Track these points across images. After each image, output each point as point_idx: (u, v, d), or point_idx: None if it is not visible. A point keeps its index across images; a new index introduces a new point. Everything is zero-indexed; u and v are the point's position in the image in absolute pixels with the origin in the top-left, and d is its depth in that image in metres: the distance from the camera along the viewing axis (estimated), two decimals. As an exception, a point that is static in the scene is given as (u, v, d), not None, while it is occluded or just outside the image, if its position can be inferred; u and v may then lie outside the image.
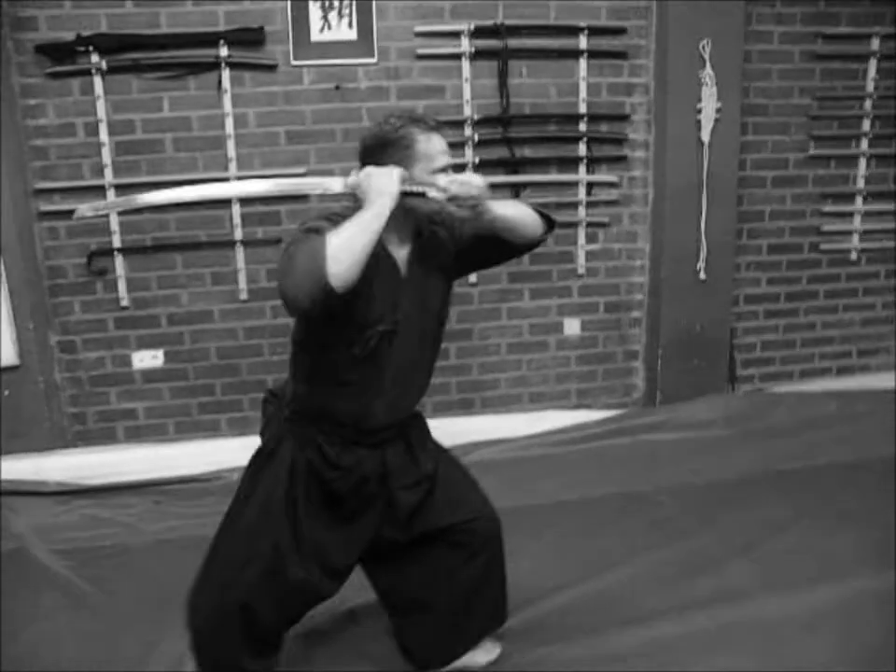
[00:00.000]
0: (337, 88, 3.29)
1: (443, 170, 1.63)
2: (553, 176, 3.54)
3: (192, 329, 3.43)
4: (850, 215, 3.93)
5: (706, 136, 3.50)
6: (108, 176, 3.20)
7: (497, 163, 3.46)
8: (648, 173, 3.60)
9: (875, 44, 3.71)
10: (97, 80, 3.11)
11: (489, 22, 3.32)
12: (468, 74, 3.35)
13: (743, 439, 3.60)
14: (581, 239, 3.63)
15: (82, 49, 3.05)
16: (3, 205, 3.05)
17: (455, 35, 3.32)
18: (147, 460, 3.39)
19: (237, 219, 3.34)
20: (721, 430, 3.67)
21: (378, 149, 1.61)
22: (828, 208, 3.89)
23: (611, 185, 3.61)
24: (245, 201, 3.32)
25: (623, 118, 3.56)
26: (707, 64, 3.42)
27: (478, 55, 3.35)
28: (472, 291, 3.60)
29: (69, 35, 3.05)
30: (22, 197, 3.15)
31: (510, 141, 3.44)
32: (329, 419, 1.73)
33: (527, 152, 3.50)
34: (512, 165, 3.47)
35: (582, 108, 3.50)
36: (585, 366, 3.82)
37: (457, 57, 3.34)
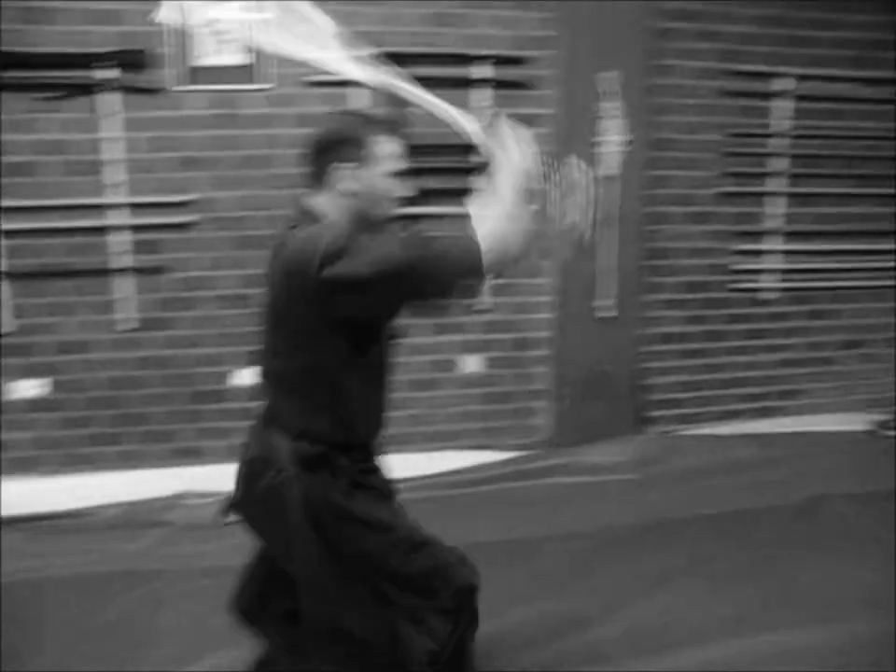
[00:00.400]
0: (226, 115, 3.34)
1: (398, 174, 1.64)
2: (454, 209, 3.61)
3: (75, 358, 3.44)
4: (764, 253, 4.01)
5: (609, 170, 3.57)
6: (-12, 199, 3.25)
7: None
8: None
9: (788, 83, 3.80)
10: (-23, 100, 3.18)
11: (388, 50, 3.42)
12: (363, 102, 3.44)
13: (648, 484, 3.62)
14: (484, 273, 3.69)
15: (-39, 67, 3.13)
16: None
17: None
18: (27, 493, 3.44)
19: (120, 247, 3.36)
20: (626, 475, 3.70)
21: (331, 148, 1.59)
22: (740, 246, 3.97)
23: (516, 218, 3.68)
24: (128, 228, 3.36)
25: (527, 150, 3.63)
26: (611, 97, 3.52)
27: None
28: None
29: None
30: None
31: (408, 171, 3.53)
32: (359, 442, 1.69)
33: (430, 183, 3.56)
34: (411, 197, 3.55)
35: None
36: (489, 405, 3.83)
37: (345, 84, 3.35)
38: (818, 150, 3.92)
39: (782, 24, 3.77)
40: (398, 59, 3.32)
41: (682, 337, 4.00)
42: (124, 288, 3.42)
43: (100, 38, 3.20)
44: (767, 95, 3.83)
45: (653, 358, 3.97)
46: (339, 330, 1.54)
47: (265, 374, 1.68)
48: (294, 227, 1.59)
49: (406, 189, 1.67)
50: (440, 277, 1.43)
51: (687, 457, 3.83)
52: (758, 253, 4.00)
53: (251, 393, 3.55)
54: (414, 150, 3.43)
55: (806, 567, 2.81)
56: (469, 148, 3.50)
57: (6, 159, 3.21)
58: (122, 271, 3.39)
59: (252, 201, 3.44)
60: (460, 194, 3.47)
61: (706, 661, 2.28)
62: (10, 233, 3.26)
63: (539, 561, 2.94)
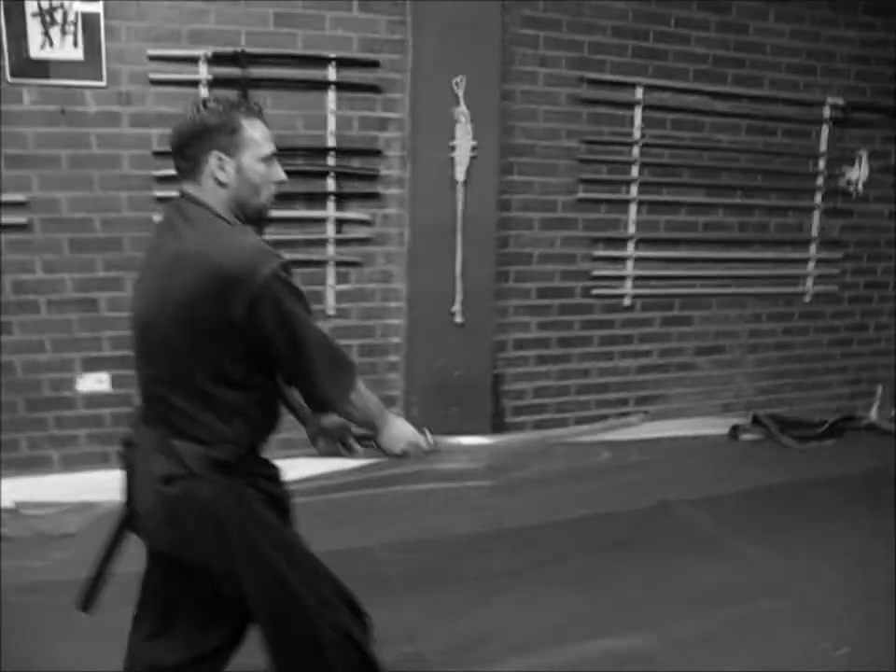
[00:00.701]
0: (62, 112, 3.37)
1: (269, 157, 1.68)
2: (300, 212, 3.71)
3: None
4: (622, 260, 4.27)
5: (460, 175, 3.74)
6: None
7: (239, 196, 3.62)
8: (404, 211, 3.80)
9: (639, 93, 4.07)
10: None
11: (229, 49, 3.50)
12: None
13: (500, 490, 3.81)
14: (331, 279, 3.80)
15: None
16: None
17: (193, 60, 3.45)
18: None
19: (-54, 246, 3.38)
20: (479, 481, 3.88)
21: (199, 136, 1.61)
22: (599, 252, 4.21)
23: (363, 222, 3.80)
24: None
25: (376, 153, 3.76)
26: (462, 102, 3.69)
27: (217, 83, 3.48)
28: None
29: None
30: None
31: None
32: (261, 445, 1.79)
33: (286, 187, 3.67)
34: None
35: (331, 142, 3.69)
36: (342, 410, 3.97)
37: (195, 84, 3.47)
38: (668, 160, 4.21)
39: (634, 36, 4.02)
40: (248, 59, 3.47)
41: (540, 342, 4.23)
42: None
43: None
44: (620, 104, 4.08)
45: (510, 364, 4.19)
46: (249, 344, 1.61)
47: (163, 382, 1.65)
48: (188, 216, 1.62)
49: (280, 172, 1.72)
50: (327, 388, 1.65)
51: (541, 463, 4.05)
52: (615, 259, 4.24)
53: (94, 399, 3.61)
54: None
55: (643, 571, 3.02)
56: (325, 151, 3.64)
57: None
58: (-50, 272, 3.39)
59: (93, 202, 3.49)
60: (316, 198, 3.64)
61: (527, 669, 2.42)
62: None
63: (377, 570, 3.02)
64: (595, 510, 3.58)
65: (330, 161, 3.72)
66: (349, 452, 2.01)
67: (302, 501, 3.53)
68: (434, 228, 3.78)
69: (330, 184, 3.73)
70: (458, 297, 3.84)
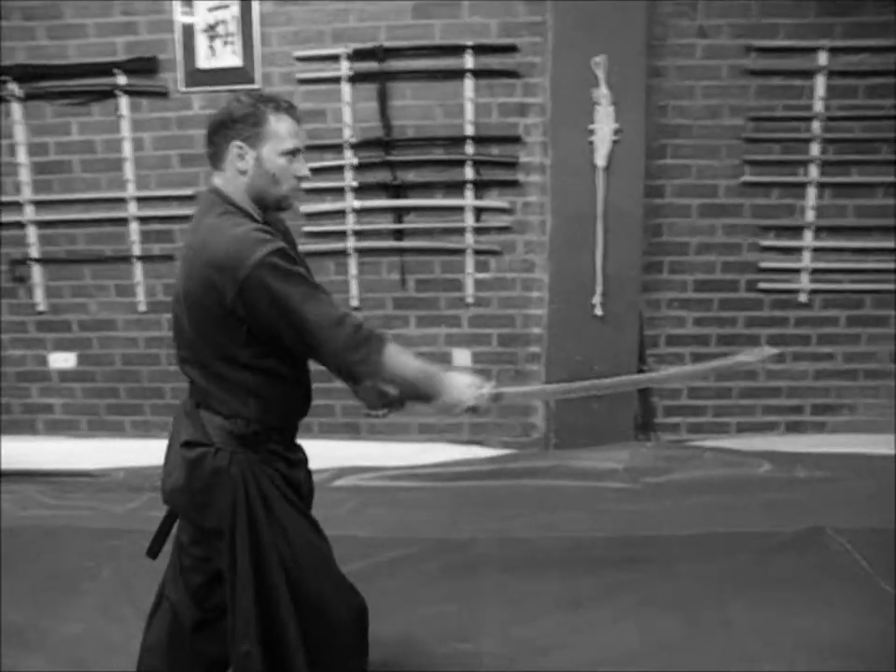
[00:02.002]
0: (225, 113, 3.84)
1: (293, 152, 1.77)
2: (438, 201, 3.83)
3: (99, 335, 4.13)
4: (798, 250, 3.86)
5: (600, 160, 3.62)
6: (27, 193, 3.96)
7: (378, 187, 3.82)
8: (545, 198, 3.77)
9: (823, 58, 3.63)
10: (15, 106, 3.86)
11: (368, 45, 3.70)
12: (348, 97, 3.74)
13: (639, 495, 3.68)
14: (470, 267, 3.88)
15: (1, 79, 3.84)
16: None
17: (335, 58, 3.71)
18: (55, 452, 4.18)
19: (135, 236, 3.99)
20: (617, 483, 3.77)
21: (225, 126, 1.74)
22: (769, 242, 3.85)
23: (503, 210, 3.83)
24: (142, 219, 3.98)
25: (515, 139, 3.76)
26: (602, 83, 3.57)
27: (358, 78, 3.72)
28: (357, 315, 4.00)
29: (-8, 67, 3.86)
30: (-42, 210, 4.02)
31: (392, 164, 3.80)
32: (285, 426, 1.90)
33: (411, 176, 3.81)
34: (395, 189, 3.82)
35: (469, 130, 3.76)
36: (479, 399, 4.04)
37: (337, 80, 3.73)
38: (860, 134, 3.70)
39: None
40: (386, 53, 3.66)
41: (697, 339, 3.96)
42: (142, 274, 4.03)
43: (114, 48, 3.79)
44: (797, 73, 3.66)
45: (662, 361, 3.98)
46: (251, 330, 1.71)
47: (187, 362, 1.82)
48: (205, 209, 1.78)
49: (303, 167, 1.81)
50: (342, 344, 1.66)
51: (688, 470, 3.82)
52: (788, 250, 3.85)
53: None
54: (400, 144, 3.77)
55: (759, 604, 2.74)
56: (463, 140, 3.73)
57: (36, 158, 3.93)
58: (140, 258, 4.01)
59: (250, 194, 3.87)
60: (455, 187, 3.76)
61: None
62: (41, 224, 4.00)
63: (474, 560, 3.10)
64: (734, 527, 3.31)
65: (469, 149, 3.79)
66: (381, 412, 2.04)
67: (434, 486, 3.87)
68: (574, 216, 3.70)
69: (469, 172, 3.81)
70: (598, 288, 3.73)
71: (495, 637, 2.60)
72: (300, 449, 1.97)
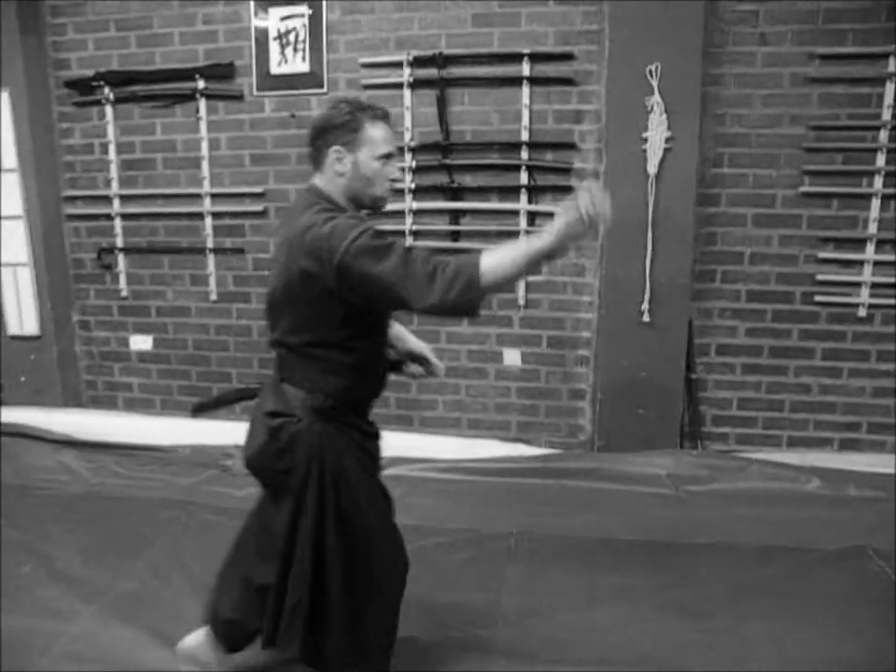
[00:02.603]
0: (292, 116, 4.08)
1: (387, 157, 1.95)
2: (493, 204, 3.97)
3: (174, 321, 4.50)
4: (858, 263, 3.79)
5: (652, 168, 3.68)
6: (114, 188, 4.37)
7: (436, 190, 4.00)
8: (598, 205, 3.84)
9: (892, 65, 3.56)
10: (108, 109, 4.27)
11: (429, 52, 3.87)
12: (408, 102, 3.94)
13: (680, 502, 3.73)
14: (522, 269, 3.99)
15: (97, 83, 4.22)
16: (33, 208, 4.33)
17: (397, 65, 3.91)
18: (132, 427, 4.57)
19: (209, 230, 4.32)
20: (660, 489, 3.82)
21: (326, 132, 1.92)
22: (827, 254, 3.80)
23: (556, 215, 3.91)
24: (216, 214, 4.29)
25: (570, 146, 3.86)
26: (656, 90, 3.62)
27: (419, 84, 3.91)
28: (410, 311, 4.20)
29: (90, 73, 4.24)
30: (54, 201, 4.43)
31: (449, 168, 3.97)
32: (362, 401, 2.08)
33: (468, 180, 3.97)
34: (451, 192, 3.98)
35: (525, 136, 3.88)
36: (527, 399, 4.18)
37: (399, 86, 3.93)
38: (925, 145, 3.60)
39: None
40: (445, 60, 3.84)
41: (749, 350, 3.96)
42: (214, 265, 4.36)
43: (196, 55, 4.13)
44: (865, 80, 3.61)
45: (712, 370, 4.01)
46: (347, 313, 1.88)
47: (276, 340, 2.01)
48: (304, 206, 1.94)
49: (395, 170, 1.98)
50: (437, 295, 1.75)
51: (734, 481, 3.83)
52: (847, 262, 3.79)
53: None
54: (457, 148, 3.94)
55: (776, 622, 2.77)
56: (519, 145, 3.86)
57: (124, 156, 4.32)
58: (213, 250, 4.34)
59: (314, 192, 4.14)
60: (510, 191, 3.89)
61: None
62: (126, 216, 4.39)
63: (494, 555, 3.23)
64: (772, 540, 3.32)
65: (524, 154, 3.92)
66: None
67: (478, 480, 4.03)
68: (625, 223, 3.75)
69: (524, 177, 3.94)
70: (646, 295, 3.80)
71: (512, 627, 2.74)
72: (372, 423, 2.16)
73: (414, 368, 2.31)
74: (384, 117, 1.95)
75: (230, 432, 4.44)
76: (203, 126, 4.19)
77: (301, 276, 1.84)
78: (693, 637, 2.68)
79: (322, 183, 1.96)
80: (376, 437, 2.17)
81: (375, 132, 1.92)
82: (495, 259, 1.76)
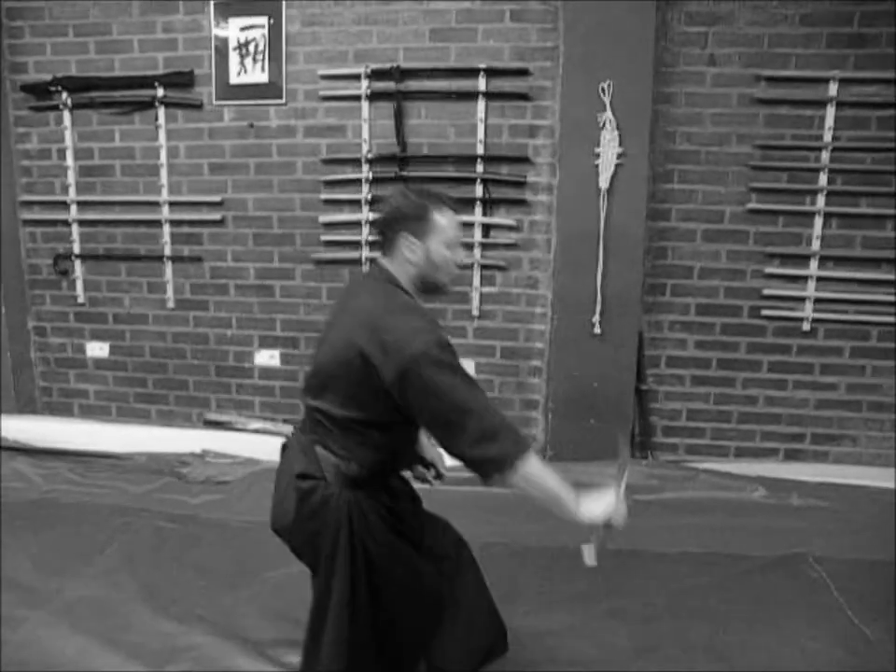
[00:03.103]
0: (251, 126, 4.15)
1: (454, 243, 2.02)
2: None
3: (131, 328, 4.54)
4: (802, 279, 3.94)
5: (603, 183, 3.80)
6: (72, 194, 4.40)
7: (392, 201, 4.09)
8: (551, 218, 3.97)
9: (833, 89, 3.73)
10: (66, 114, 4.30)
11: (387, 65, 3.96)
12: (366, 114, 4.03)
13: (629, 511, 3.83)
14: (476, 280, 4.11)
15: (54, 88, 4.25)
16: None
17: (356, 77, 4.00)
18: (87, 434, 4.58)
19: (167, 237, 4.37)
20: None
21: (398, 220, 1.99)
22: (773, 269, 3.95)
23: (510, 228, 4.04)
24: (174, 222, 4.35)
25: (524, 160, 3.97)
26: (608, 107, 3.74)
27: (377, 96, 4.00)
28: (367, 321, 4.29)
29: (47, 77, 4.27)
30: (10, 206, 4.44)
31: (406, 179, 4.05)
32: (393, 472, 2.14)
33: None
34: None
35: (480, 149, 3.99)
36: (481, 408, 4.25)
37: (357, 98, 4.02)
38: (871, 166, 3.79)
39: (832, 22, 3.69)
40: (403, 73, 3.93)
41: (697, 362, 4.10)
42: (171, 273, 4.41)
43: (155, 62, 4.18)
44: (807, 103, 3.77)
45: (663, 382, 4.14)
46: (395, 405, 1.89)
47: (317, 408, 2.02)
48: (374, 285, 2.02)
49: (462, 255, 2.08)
50: (468, 449, 1.79)
51: (681, 490, 3.95)
52: (792, 278, 3.94)
53: (267, 372, 4.40)
54: (414, 160, 4.03)
55: (718, 626, 2.87)
56: (474, 159, 3.97)
57: (82, 162, 4.35)
58: (170, 258, 4.39)
59: (273, 202, 4.24)
60: (465, 203, 3.99)
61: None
62: (84, 222, 4.43)
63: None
64: (717, 548, 3.44)
65: (479, 167, 4.02)
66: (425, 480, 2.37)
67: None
68: (577, 236, 3.89)
69: (479, 190, 4.04)
70: (598, 307, 3.92)
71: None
72: (406, 482, 2.23)
73: (423, 471, 2.37)
74: (451, 205, 2.03)
75: (186, 440, 4.53)
76: (161, 134, 4.24)
77: (359, 358, 1.86)
78: (638, 642, 2.77)
79: (391, 266, 2.02)
80: (406, 496, 2.20)
81: (444, 220, 1.98)
82: (538, 471, 1.82)
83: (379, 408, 1.90)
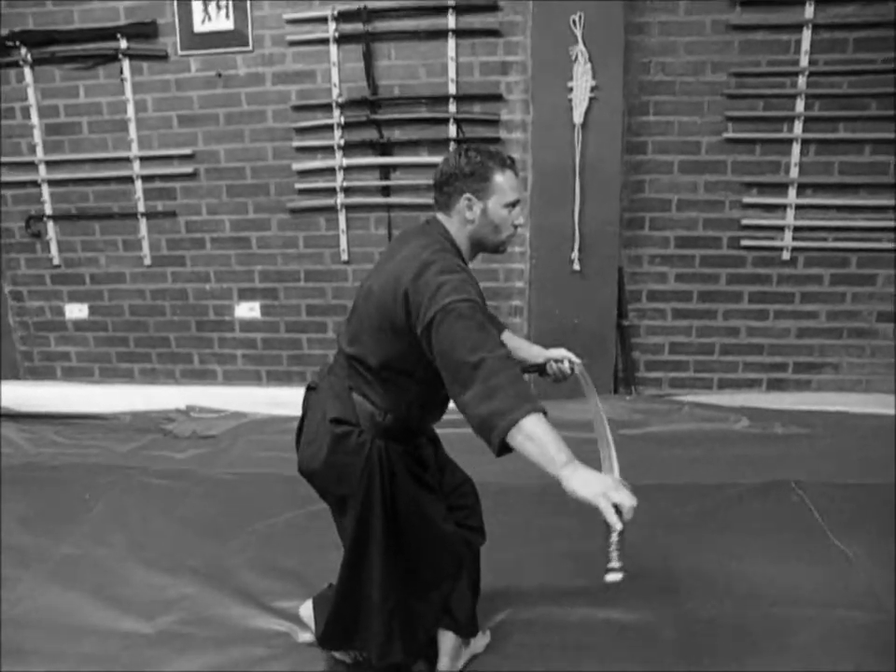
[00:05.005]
0: (219, 75, 4.03)
1: (514, 204, 1.96)
2: (423, 158, 3.98)
3: (109, 287, 4.46)
4: (781, 208, 3.89)
5: (578, 117, 3.71)
6: (39, 153, 4.27)
7: (365, 145, 3.99)
8: (526, 155, 3.88)
9: (809, 11, 3.63)
10: (27, 71, 4.15)
11: (354, 6, 3.84)
12: (335, 57, 3.90)
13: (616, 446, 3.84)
14: (454, 223, 4.03)
15: (12, 44, 4.10)
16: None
17: (323, 20, 3.87)
18: (72, 396, 4.53)
19: (139, 193, 4.26)
20: (589, 434, 3.91)
21: (456, 178, 1.93)
22: (751, 199, 3.90)
23: (485, 168, 3.95)
24: (146, 177, 4.24)
25: (496, 97, 3.88)
26: (580, 40, 3.63)
27: (345, 39, 3.88)
28: (346, 269, 4.24)
29: (4, 32, 4.10)
30: (-23, 169, 4.35)
31: (378, 123, 3.96)
32: (423, 423, 2.12)
33: (397, 134, 3.98)
34: (381, 147, 3.99)
35: (452, 89, 3.89)
36: (465, 351, 4.22)
37: (325, 41, 3.90)
38: (849, 90, 3.71)
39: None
40: (371, 14, 3.81)
41: (678, 295, 4.07)
42: (146, 229, 4.32)
43: (116, 13, 4.03)
44: (783, 27, 3.67)
45: (644, 317, 4.11)
46: (423, 354, 1.83)
47: (353, 355, 1.99)
48: (426, 236, 1.95)
49: (520, 216, 2.01)
50: (470, 402, 1.65)
51: (666, 423, 3.97)
52: (771, 207, 3.89)
53: (248, 324, 4.35)
54: (385, 103, 3.93)
55: (701, 552, 2.87)
56: (446, 98, 3.87)
57: (47, 120, 4.22)
58: (144, 214, 4.29)
59: (244, 153, 4.14)
60: (439, 144, 3.90)
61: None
62: (54, 182, 4.31)
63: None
64: (702, 479, 3.45)
65: (452, 107, 3.93)
66: None
67: None
68: (553, 173, 3.81)
69: (452, 130, 3.95)
70: (576, 244, 3.86)
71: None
72: (429, 432, 2.19)
73: (557, 367, 2.31)
74: (511, 165, 1.97)
75: (170, 397, 4.49)
76: (127, 87, 4.11)
77: (402, 308, 1.82)
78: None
79: (448, 223, 1.98)
80: (430, 443, 2.19)
81: (504, 180, 1.93)
82: (537, 434, 1.58)
83: (412, 358, 1.86)
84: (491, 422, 1.61)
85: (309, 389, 2.15)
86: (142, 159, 4.22)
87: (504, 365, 1.68)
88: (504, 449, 1.62)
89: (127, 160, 4.22)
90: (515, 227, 2.00)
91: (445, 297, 1.73)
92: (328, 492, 2.10)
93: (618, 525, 1.47)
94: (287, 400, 3.92)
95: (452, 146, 3.95)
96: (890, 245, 3.86)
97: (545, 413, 1.62)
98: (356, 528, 2.01)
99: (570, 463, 1.58)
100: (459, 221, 1.95)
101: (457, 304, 1.72)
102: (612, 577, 1.48)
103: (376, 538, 2.01)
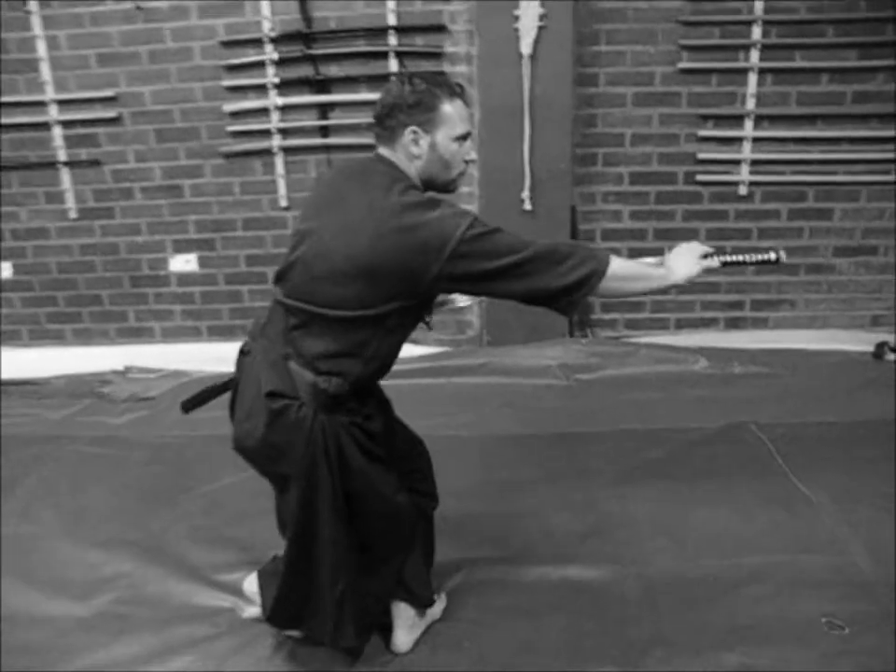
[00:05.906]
0: (139, 8, 3.68)
1: (464, 137, 1.80)
2: (362, 95, 3.72)
3: (33, 244, 4.14)
4: (738, 141, 3.74)
5: (526, 48, 3.49)
6: (-58, 97, 3.92)
7: (301, 83, 3.72)
8: (472, 90, 3.63)
9: (764, -72, 3.44)
10: (-80, 5, 3.79)
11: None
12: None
13: (570, 391, 3.72)
14: (397, 164, 3.81)
15: None
16: None
17: (250, -54, 3.57)
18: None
19: (59, 141, 3.93)
20: (548, 380, 3.81)
21: (399, 109, 1.74)
22: (707, 132, 3.74)
23: (429, 105, 3.72)
24: (65, 123, 3.90)
25: (439, 28, 3.63)
26: (524, -34, 3.40)
27: (272, -32, 3.59)
28: (286, 215, 3.97)
29: None
30: None
31: (314, 58, 3.69)
32: (372, 384, 1.94)
33: (334, 70, 3.71)
34: (318, 85, 3.72)
35: (392, 20, 3.63)
36: (415, 299, 4.04)
37: (252, -27, 3.60)
38: (806, 15, 3.54)
39: None
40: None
41: (634, 234, 3.92)
42: (70, 180, 4.01)
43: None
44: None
45: (599, 258, 3.90)
46: (407, 304, 1.72)
47: (301, 309, 1.77)
48: (382, 178, 1.74)
49: (471, 151, 1.85)
50: (554, 282, 1.70)
51: (623, 367, 3.85)
52: (727, 140, 3.74)
53: (185, 278, 4.10)
54: (321, 36, 3.65)
55: (660, 499, 2.77)
56: (379, 32, 3.61)
57: (-51, 60, 3.82)
58: (66, 163, 3.97)
59: (171, 94, 3.83)
60: (379, 80, 3.65)
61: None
62: (-37, 131, 3.93)
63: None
64: (662, 423, 3.34)
65: (392, 40, 3.67)
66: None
67: None
68: (501, 108, 3.60)
69: (393, 64, 3.70)
70: (527, 182, 3.67)
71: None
72: (376, 399, 1.99)
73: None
74: (461, 94, 1.79)
75: (106, 358, 4.22)
76: (36, 22, 3.74)
77: (391, 255, 1.64)
78: (582, 526, 2.64)
79: (394, 160, 1.78)
80: (377, 414, 1.95)
81: (453, 110, 1.75)
82: (623, 268, 1.81)
83: (394, 307, 1.70)
84: (590, 281, 1.73)
85: (242, 353, 1.91)
86: (59, 102, 3.87)
87: (546, 241, 1.73)
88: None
89: (42, 104, 3.87)
90: (466, 163, 1.83)
91: (450, 234, 1.62)
92: (267, 471, 1.91)
93: (715, 263, 2.00)
94: (229, 356, 3.65)
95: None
96: (846, 178, 3.75)
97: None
98: (300, 510, 1.82)
99: (662, 266, 1.93)
100: (406, 157, 1.77)
101: (467, 231, 1.62)
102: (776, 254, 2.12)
103: (323, 518, 1.81)
